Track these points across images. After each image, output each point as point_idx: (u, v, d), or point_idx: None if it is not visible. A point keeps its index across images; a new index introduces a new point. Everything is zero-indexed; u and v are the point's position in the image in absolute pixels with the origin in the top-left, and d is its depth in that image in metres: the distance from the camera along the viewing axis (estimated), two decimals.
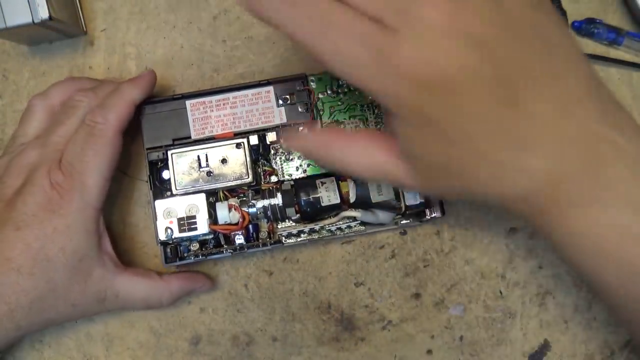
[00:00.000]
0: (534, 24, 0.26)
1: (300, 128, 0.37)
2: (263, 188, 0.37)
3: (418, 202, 0.36)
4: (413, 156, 0.28)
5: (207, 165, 0.36)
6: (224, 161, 0.36)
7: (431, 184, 0.29)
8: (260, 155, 0.37)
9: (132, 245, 0.40)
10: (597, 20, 0.40)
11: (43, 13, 0.35)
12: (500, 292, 0.40)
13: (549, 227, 0.27)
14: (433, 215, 0.37)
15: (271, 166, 0.37)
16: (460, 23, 0.24)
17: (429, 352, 0.40)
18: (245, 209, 0.36)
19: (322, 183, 0.36)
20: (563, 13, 0.39)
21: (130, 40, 0.41)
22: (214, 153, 0.36)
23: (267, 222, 0.38)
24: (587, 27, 0.40)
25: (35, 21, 0.35)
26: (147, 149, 0.37)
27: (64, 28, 0.39)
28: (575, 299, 0.40)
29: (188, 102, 0.37)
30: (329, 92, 0.37)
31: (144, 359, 0.40)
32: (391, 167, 0.29)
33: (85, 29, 0.41)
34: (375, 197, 0.36)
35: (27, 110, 0.37)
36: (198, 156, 0.36)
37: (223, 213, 0.36)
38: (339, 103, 0.37)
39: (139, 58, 0.41)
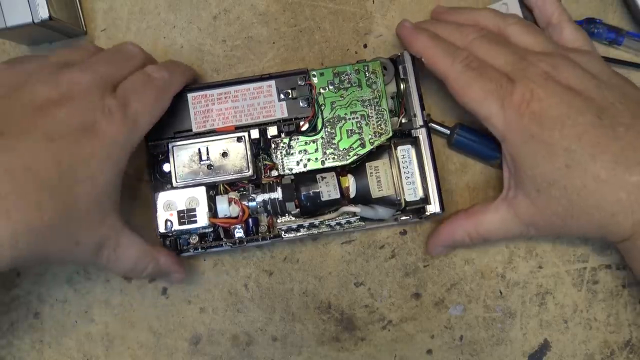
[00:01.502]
0: (619, 85, 0.33)
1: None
2: (263, 182, 0.37)
3: (418, 198, 0.36)
4: (525, 180, 0.33)
5: (208, 159, 0.36)
6: (224, 154, 0.36)
7: (541, 210, 0.33)
8: (261, 149, 0.37)
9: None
10: (597, 20, 0.40)
11: (43, 13, 0.35)
12: (500, 292, 0.40)
13: None
14: (433, 212, 0.36)
15: (272, 160, 0.37)
16: (562, 78, 0.32)
17: (429, 352, 0.40)
18: (245, 202, 0.36)
19: (323, 178, 0.36)
20: None
21: (130, 40, 0.41)
22: (214, 146, 0.36)
23: (267, 216, 0.38)
24: (587, 27, 0.40)
25: (35, 21, 0.35)
26: (148, 141, 0.37)
27: (64, 28, 0.39)
28: (575, 299, 0.40)
29: (190, 95, 0.37)
30: (330, 87, 0.37)
31: (144, 359, 0.40)
32: (509, 212, 0.35)
33: (85, 29, 0.41)
34: (375, 193, 0.36)
35: (79, 46, 0.37)
36: (199, 149, 0.36)
37: (223, 206, 0.36)
38: (340, 98, 0.37)
39: None
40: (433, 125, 0.39)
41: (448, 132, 0.39)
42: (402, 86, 0.37)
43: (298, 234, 0.37)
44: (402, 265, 0.40)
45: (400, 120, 0.38)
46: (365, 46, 0.41)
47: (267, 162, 0.37)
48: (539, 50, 0.34)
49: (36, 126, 0.29)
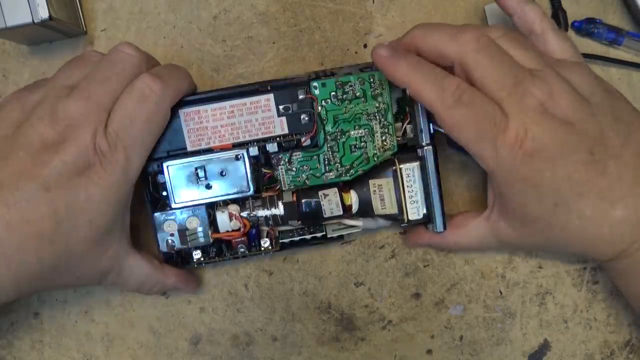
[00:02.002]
0: (611, 105, 0.32)
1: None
2: (264, 196, 0.36)
3: (421, 217, 0.36)
4: (510, 212, 0.33)
5: (206, 178, 0.35)
6: (222, 173, 0.35)
7: (522, 237, 0.34)
8: (261, 164, 0.36)
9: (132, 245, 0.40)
10: (597, 20, 0.39)
11: (43, 13, 0.35)
12: (500, 292, 0.40)
13: (629, 269, 0.32)
14: (435, 230, 0.36)
15: (270, 169, 0.36)
16: (557, 111, 0.31)
17: (429, 352, 0.40)
18: (245, 215, 0.36)
19: (325, 195, 0.35)
20: (563, 13, 0.39)
21: (130, 40, 0.41)
22: (212, 165, 0.35)
23: (269, 226, 0.37)
24: (587, 27, 0.40)
25: (35, 21, 0.35)
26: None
27: (64, 28, 0.39)
28: (575, 299, 0.40)
29: (181, 112, 0.34)
30: (333, 99, 0.35)
31: (144, 359, 0.40)
32: (489, 231, 0.35)
33: (85, 29, 0.41)
34: (378, 210, 0.36)
35: (83, 57, 0.35)
36: (195, 169, 0.35)
37: (224, 222, 0.36)
38: (344, 112, 0.35)
39: None
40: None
41: None
42: (407, 92, 0.35)
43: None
44: (402, 265, 0.40)
45: (405, 128, 0.36)
46: (365, 46, 0.41)
47: (265, 171, 0.36)
48: (531, 66, 0.32)
49: (32, 176, 0.29)
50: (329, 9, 0.41)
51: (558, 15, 0.39)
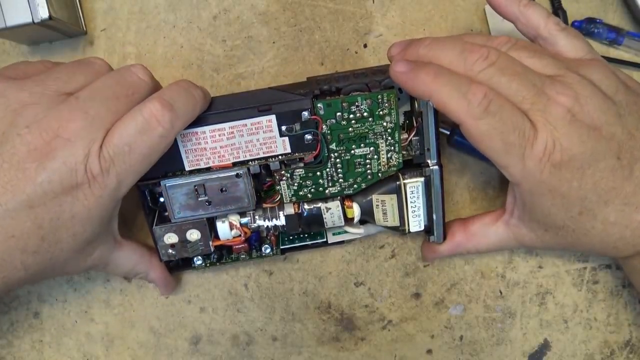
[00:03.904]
0: (635, 103, 0.31)
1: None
2: (264, 207, 0.36)
3: (422, 229, 0.36)
4: (533, 219, 0.33)
5: (206, 195, 0.34)
6: (223, 190, 0.34)
7: (544, 241, 0.34)
8: (261, 175, 0.36)
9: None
10: (597, 20, 0.40)
11: (43, 13, 0.35)
12: (500, 292, 0.40)
13: None
14: (434, 240, 0.36)
15: (271, 177, 0.35)
16: (584, 116, 0.30)
17: (429, 352, 0.40)
18: (245, 222, 0.36)
19: (327, 209, 0.35)
20: (563, 13, 0.39)
21: (130, 40, 0.41)
22: (212, 183, 0.34)
23: (269, 233, 0.37)
24: (587, 27, 0.40)
25: (35, 21, 0.35)
26: (138, 181, 0.32)
27: (64, 28, 0.39)
28: (575, 299, 0.40)
29: (177, 134, 0.32)
30: (338, 119, 0.33)
31: (144, 359, 0.40)
32: (509, 235, 0.35)
33: (85, 29, 0.41)
34: (380, 222, 0.36)
35: (87, 62, 0.33)
36: (195, 187, 0.34)
37: (224, 231, 0.36)
38: (349, 131, 0.34)
39: (138, 58, 0.41)
40: None
41: (448, 132, 0.39)
42: (416, 106, 0.35)
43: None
44: (402, 265, 0.40)
45: (411, 140, 0.35)
46: (365, 46, 0.41)
47: (267, 179, 0.36)
48: (549, 72, 0.31)
49: (16, 191, 0.28)
50: (329, 9, 0.41)
51: (558, 15, 0.39)
